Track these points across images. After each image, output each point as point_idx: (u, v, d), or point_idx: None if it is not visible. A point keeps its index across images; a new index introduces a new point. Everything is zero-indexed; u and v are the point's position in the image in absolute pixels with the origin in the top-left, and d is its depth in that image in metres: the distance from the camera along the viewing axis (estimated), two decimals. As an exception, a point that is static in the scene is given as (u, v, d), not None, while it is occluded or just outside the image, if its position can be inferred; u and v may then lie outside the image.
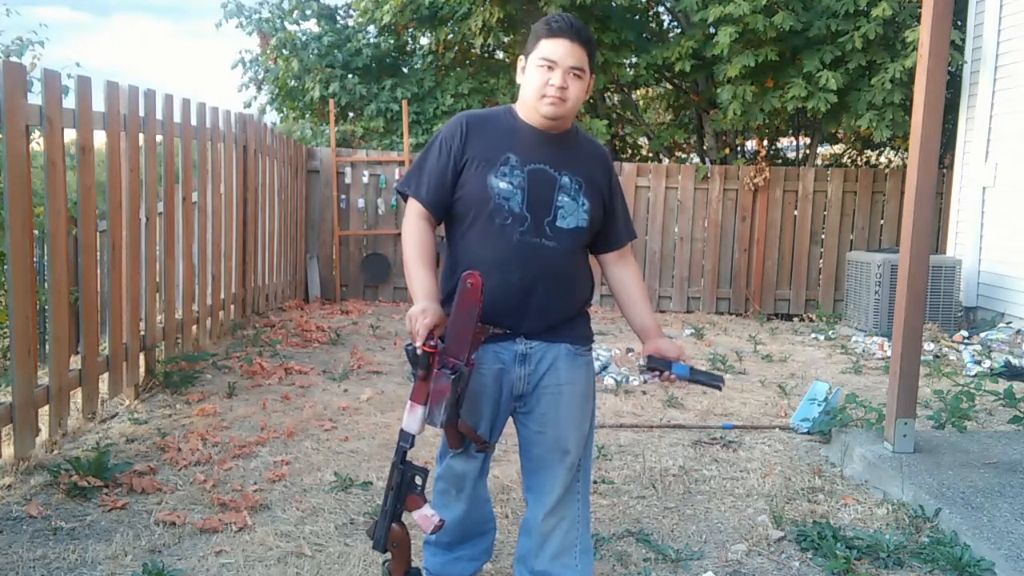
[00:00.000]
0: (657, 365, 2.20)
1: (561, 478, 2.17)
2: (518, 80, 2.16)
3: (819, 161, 11.27)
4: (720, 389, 2.19)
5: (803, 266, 8.48)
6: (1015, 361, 5.72)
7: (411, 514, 2.02)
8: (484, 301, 1.94)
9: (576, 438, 2.18)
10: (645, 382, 5.15)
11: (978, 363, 5.77)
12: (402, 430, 2.00)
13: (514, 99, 2.27)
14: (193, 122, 5.08)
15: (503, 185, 2.08)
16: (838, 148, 12.04)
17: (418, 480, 2.03)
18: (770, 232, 8.42)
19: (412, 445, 2.01)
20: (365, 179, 8.30)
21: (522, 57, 2.15)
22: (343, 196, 8.27)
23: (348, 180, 8.26)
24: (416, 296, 2.01)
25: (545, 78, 2.06)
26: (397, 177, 8.20)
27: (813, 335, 7.18)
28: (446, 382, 1.92)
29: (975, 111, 7.21)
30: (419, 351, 1.93)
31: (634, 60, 9.41)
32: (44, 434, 3.52)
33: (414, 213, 2.14)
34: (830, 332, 7.23)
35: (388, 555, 2.10)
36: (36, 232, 4.23)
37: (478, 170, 2.10)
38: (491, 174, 2.09)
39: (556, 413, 2.16)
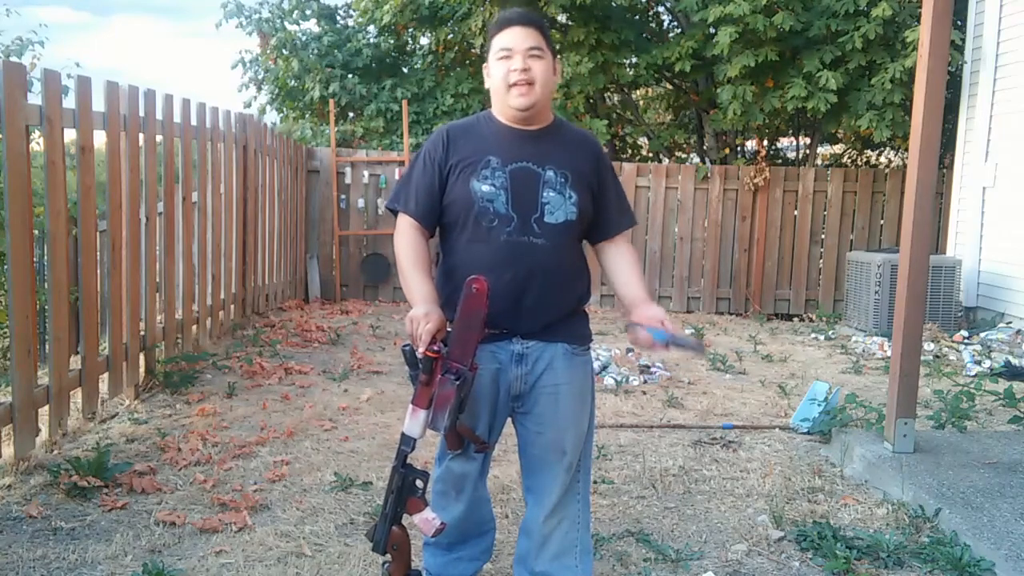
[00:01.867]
0: (635, 329, 2.08)
1: (560, 479, 2.17)
2: (487, 86, 2.18)
3: (819, 161, 11.27)
4: (702, 354, 2.13)
5: (803, 266, 8.48)
6: (1015, 361, 5.72)
7: (412, 517, 2.02)
8: None
9: (574, 439, 2.18)
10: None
11: (978, 363, 5.77)
12: (403, 434, 1.99)
13: None
14: (193, 122, 5.08)
15: (485, 188, 2.08)
16: (838, 148, 12.04)
17: (419, 484, 2.02)
18: (770, 232, 8.42)
19: (413, 449, 2.01)
20: (365, 179, 8.30)
21: (486, 65, 2.18)
22: (343, 196, 8.27)
23: (348, 180, 8.26)
24: (415, 300, 2.00)
25: (507, 67, 2.08)
26: (397, 177, 8.20)
27: (813, 335, 7.18)
28: (451, 388, 1.91)
29: (975, 111, 7.21)
30: (421, 355, 1.92)
31: (634, 60, 9.41)
32: (44, 434, 3.52)
33: (405, 225, 2.15)
34: (830, 332, 7.23)
35: (388, 556, 2.10)
36: (36, 232, 4.22)
37: (461, 176, 2.11)
38: (473, 178, 2.09)
39: (554, 413, 2.15)
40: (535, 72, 2.07)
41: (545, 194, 2.10)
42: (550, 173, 2.11)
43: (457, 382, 1.91)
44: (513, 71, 2.06)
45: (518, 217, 2.08)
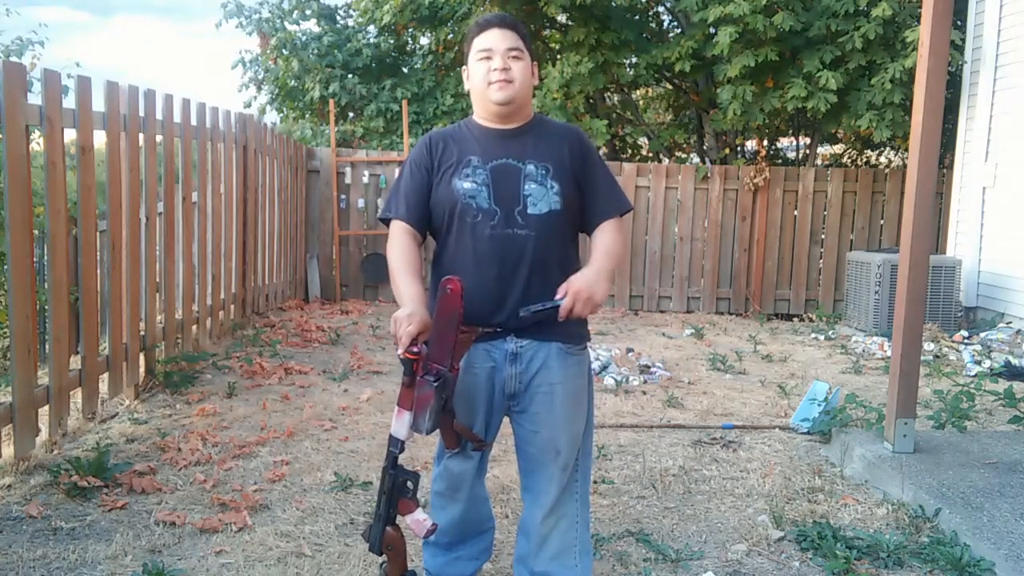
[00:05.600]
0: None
1: (556, 478, 2.17)
2: (466, 87, 2.22)
3: (819, 161, 11.27)
4: (550, 311, 1.96)
5: (803, 266, 8.49)
6: (1015, 361, 5.72)
7: (403, 518, 2.02)
8: (466, 299, 1.94)
9: (568, 438, 2.17)
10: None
11: (978, 363, 5.77)
12: (391, 436, 2.00)
13: None
14: (193, 122, 5.08)
15: (467, 185, 2.11)
16: (838, 148, 12.04)
17: (409, 484, 2.03)
18: (770, 232, 8.42)
19: (402, 450, 2.02)
20: (365, 179, 8.30)
21: (465, 68, 2.22)
22: (343, 196, 8.27)
23: (348, 180, 8.26)
24: (402, 302, 2.00)
25: (487, 67, 2.12)
26: (397, 176, 8.19)
27: (813, 335, 7.18)
28: (429, 389, 1.91)
29: (975, 111, 7.21)
30: (401, 356, 1.92)
31: (634, 60, 9.41)
32: (44, 434, 3.52)
33: (397, 230, 2.17)
34: (830, 332, 7.23)
35: (385, 557, 2.10)
36: (36, 232, 4.22)
37: (444, 177, 2.15)
38: (455, 178, 2.13)
39: (549, 413, 2.15)
40: (514, 72, 2.11)
41: (527, 187, 2.12)
42: (531, 167, 2.14)
43: (436, 383, 1.91)
44: (494, 71, 2.10)
45: (501, 211, 2.10)
